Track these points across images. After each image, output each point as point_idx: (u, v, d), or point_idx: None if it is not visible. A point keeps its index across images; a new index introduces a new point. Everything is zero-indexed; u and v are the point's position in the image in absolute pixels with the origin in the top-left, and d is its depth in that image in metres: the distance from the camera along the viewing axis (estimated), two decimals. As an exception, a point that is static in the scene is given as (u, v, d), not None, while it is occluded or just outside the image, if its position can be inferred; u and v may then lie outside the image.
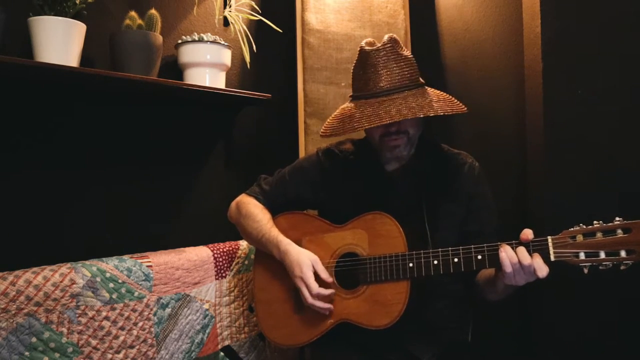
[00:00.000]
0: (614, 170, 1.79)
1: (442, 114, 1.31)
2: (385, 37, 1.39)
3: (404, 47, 1.41)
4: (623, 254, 1.13)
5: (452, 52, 2.22)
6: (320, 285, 1.37)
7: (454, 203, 1.44)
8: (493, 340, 1.97)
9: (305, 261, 1.39)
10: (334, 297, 1.40)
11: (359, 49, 1.40)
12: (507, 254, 1.20)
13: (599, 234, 1.16)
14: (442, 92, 1.41)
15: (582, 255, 1.16)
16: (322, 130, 1.47)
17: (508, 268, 1.20)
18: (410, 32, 2.19)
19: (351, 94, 1.46)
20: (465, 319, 1.53)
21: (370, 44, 1.41)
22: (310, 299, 1.37)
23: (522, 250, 1.20)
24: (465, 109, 1.36)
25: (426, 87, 1.41)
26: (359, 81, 1.41)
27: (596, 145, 1.80)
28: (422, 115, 1.31)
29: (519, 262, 1.19)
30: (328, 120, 1.48)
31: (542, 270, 1.18)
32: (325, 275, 1.38)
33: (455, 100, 1.38)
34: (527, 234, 1.21)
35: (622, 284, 1.72)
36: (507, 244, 1.23)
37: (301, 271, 1.38)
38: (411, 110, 1.30)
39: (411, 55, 1.41)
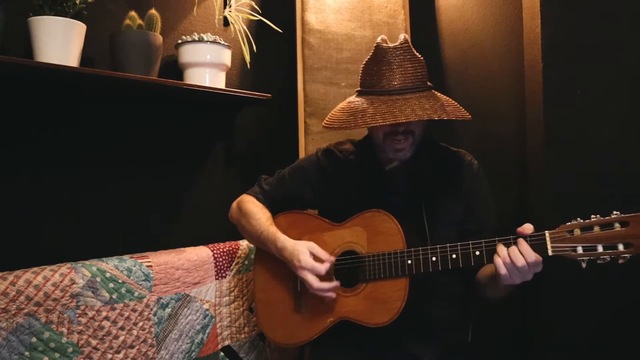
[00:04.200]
0: (614, 170, 1.79)
1: (453, 118, 1.33)
2: (402, 37, 1.39)
3: (415, 49, 1.41)
4: (621, 247, 1.13)
5: (452, 52, 2.22)
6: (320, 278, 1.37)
7: (452, 201, 1.44)
8: (493, 340, 1.97)
9: (302, 249, 1.38)
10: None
11: (375, 45, 1.40)
12: (500, 256, 1.21)
13: (596, 228, 1.15)
14: (447, 97, 1.42)
15: (579, 250, 1.16)
16: (326, 121, 1.45)
17: (502, 270, 1.21)
18: (410, 32, 2.19)
19: (358, 88, 1.45)
20: (465, 319, 1.53)
21: (385, 41, 1.41)
22: (316, 284, 1.35)
23: (514, 250, 1.20)
24: (470, 116, 1.37)
25: (433, 91, 1.42)
26: (371, 77, 1.40)
27: (596, 144, 1.80)
28: (436, 118, 1.31)
29: (512, 262, 1.19)
30: (333, 112, 1.46)
31: (538, 266, 1.19)
32: (325, 255, 1.38)
33: (460, 106, 1.39)
34: (526, 228, 1.21)
35: (622, 284, 1.72)
36: (505, 240, 1.23)
37: (299, 260, 1.37)
38: (425, 111, 1.30)
39: (422, 58, 1.41)
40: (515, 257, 1.19)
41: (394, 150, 1.43)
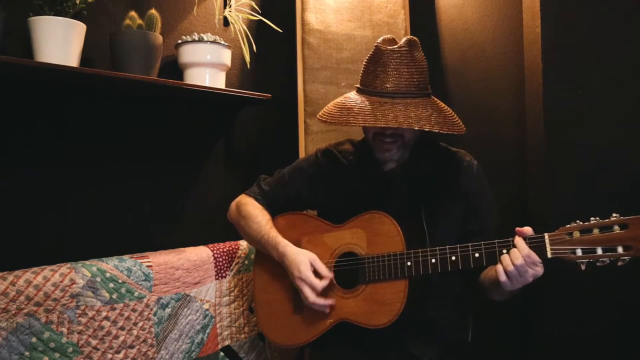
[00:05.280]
0: (614, 170, 1.78)
1: (437, 130, 1.31)
2: (404, 39, 1.38)
3: (421, 52, 1.40)
4: (620, 250, 1.13)
5: (452, 52, 2.22)
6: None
7: (452, 202, 1.44)
8: (493, 340, 1.97)
9: (304, 260, 1.39)
10: (334, 294, 1.41)
11: (375, 44, 1.39)
12: (503, 264, 1.21)
13: (595, 230, 1.15)
14: (446, 107, 1.41)
15: (579, 252, 1.16)
16: (320, 114, 1.46)
17: (502, 277, 1.21)
18: (410, 32, 2.19)
19: (358, 84, 1.46)
20: (465, 319, 1.53)
21: (387, 42, 1.40)
22: (312, 298, 1.36)
23: (513, 251, 1.20)
24: (464, 130, 1.37)
25: (432, 98, 1.41)
26: (367, 75, 1.40)
27: (596, 144, 1.80)
28: (417, 128, 1.31)
29: (512, 263, 1.19)
30: (329, 105, 1.47)
31: (535, 265, 1.19)
32: (325, 272, 1.38)
33: (457, 120, 1.39)
34: (525, 230, 1.22)
35: (623, 285, 1.72)
36: (504, 242, 1.24)
37: (299, 271, 1.38)
38: (408, 119, 1.30)
39: (425, 62, 1.40)
40: (513, 255, 1.20)
41: (382, 151, 1.43)
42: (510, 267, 1.19)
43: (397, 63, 1.35)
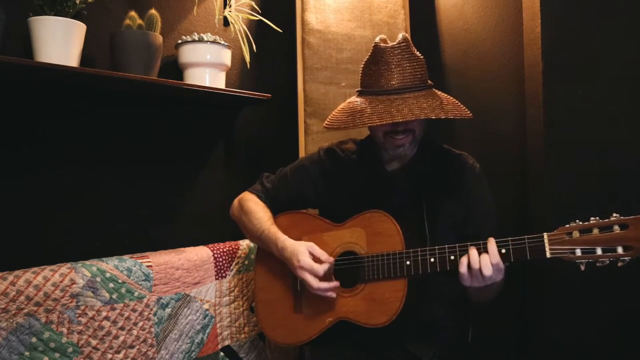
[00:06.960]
0: (614, 170, 1.78)
1: (452, 117, 1.33)
2: (400, 36, 1.39)
3: (415, 48, 1.42)
4: (620, 250, 1.13)
5: (452, 52, 2.22)
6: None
7: (453, 204, 1.44)
8: (493, 340, 1.97)
9: (301, 249, 1.38)
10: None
11: (373, 45, 1.40)
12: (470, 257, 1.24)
13: (595, 230, 1.15)
14: (448, 95, 1.42)
15: (578, 252, 1.16)
16: (327, 122, 1.46)
17: (462, 268, 1.25)
18: (410, 32, 2.19)
19: (358, 88, 1.46)
20: (465, 319, 1.53)
21: (384, 41, 1.41)
22: (315, 284, 1.35)
23: (473, 252, 1.23)
24: (471, 114, 1.37)
25: (434, 89, 1.42)
26: (369, 77, 1.41)
27: (596, 145, 1.80)
28: (433, 117, 1.32)
29: (469, 265, 1.23)
30: (334, 112, 1.47)
31: (487, 269, 1.21)
32: (324, 256, 1.38)
33: (461, 105, 1.40)
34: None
35: (622, 286, 1.72)
36: (503, 241, 1.24)
37: (299, 260, 1.37)
38: (423, 110, 1.31)
39: (422, 57, 1.41)
40: (472, 260, 1.23)
41: (395, 146, 1.43)
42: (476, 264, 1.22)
43: (399, 59, 1.36)
